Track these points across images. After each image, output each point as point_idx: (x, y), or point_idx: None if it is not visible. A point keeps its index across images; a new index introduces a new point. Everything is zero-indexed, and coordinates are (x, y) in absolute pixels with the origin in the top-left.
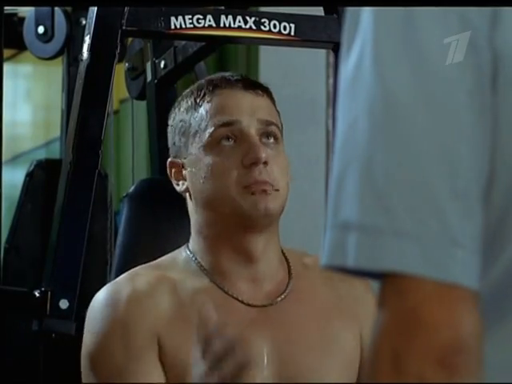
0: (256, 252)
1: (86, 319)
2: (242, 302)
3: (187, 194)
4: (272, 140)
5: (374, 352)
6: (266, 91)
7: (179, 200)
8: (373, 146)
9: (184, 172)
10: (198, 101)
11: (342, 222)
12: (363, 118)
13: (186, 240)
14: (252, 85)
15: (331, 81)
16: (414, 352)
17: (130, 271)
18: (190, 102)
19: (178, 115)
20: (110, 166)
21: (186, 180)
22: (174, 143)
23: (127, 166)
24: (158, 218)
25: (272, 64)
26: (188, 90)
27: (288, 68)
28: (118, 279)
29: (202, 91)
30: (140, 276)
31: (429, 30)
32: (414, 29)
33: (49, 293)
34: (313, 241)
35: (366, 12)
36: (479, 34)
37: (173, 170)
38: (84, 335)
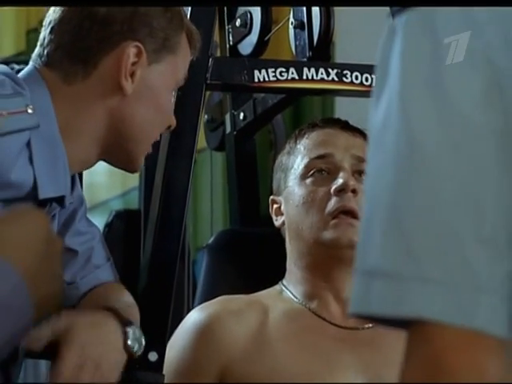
0: (345, 287)
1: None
2: (334, 324)
3: (283, 228)
4: (364, 177)
5: None
6: (363, 135)
7: (260, 251)
8: (398, 193)
9: (282, 208)
10: (297, 140)
11: (367, 269)
12: (389, 166)
13: None
14: (350, 126)
15: None
16: None
17: (223, 296)
18: (291, 143)
19: (280, 157)
20: (187, 216)
21: (283, 215)
22: (275, 180)
23: (203, 216)
24: (239, 269)
25: (347, 114)
26: (291, 136)
27: (363, 118)
28: (211, 302)
29: (303, 131)
30: (232, 300)
31: (455, 77)
32: (441, 77)
33: None
34: None
35: (394, 63)
36: (505, 75)
37: (274, 207)
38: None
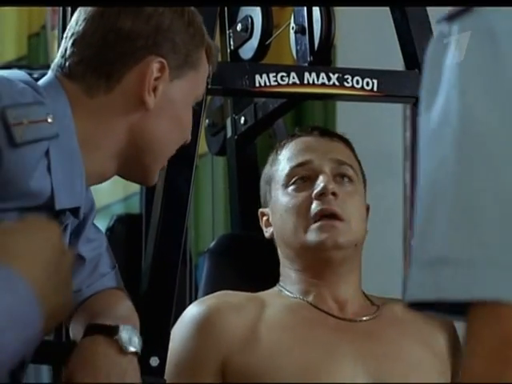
0: (339, 285)
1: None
2: (332, 315)
3: (274, 239)
4: (346, 180)
5: (469, 382)
6: (342, 139)
7: (261, 255)
8: (462, 184)
9: (270, 219)
10: (278, 151)
11: (433, 258)
12: (452, 157)
13: None
14: (328, 132)
15: (408, 134)
16: None
17: (222, 291)
18: (273, 155)
19: (265, 169)
20: (189, 221)
21: (272, 226)
22: (262, 193)
23: (204, 221)
24: (240, 273)
25: (349, 118)
26: (274, 148)
27: (365, 122)
28: (210, 295)
29: (283, 142)
30: (231, 294)
31: None
32: (502, 68)
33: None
34: (391, 291)
35: (450, 69)
36: None
37: (263, 219)
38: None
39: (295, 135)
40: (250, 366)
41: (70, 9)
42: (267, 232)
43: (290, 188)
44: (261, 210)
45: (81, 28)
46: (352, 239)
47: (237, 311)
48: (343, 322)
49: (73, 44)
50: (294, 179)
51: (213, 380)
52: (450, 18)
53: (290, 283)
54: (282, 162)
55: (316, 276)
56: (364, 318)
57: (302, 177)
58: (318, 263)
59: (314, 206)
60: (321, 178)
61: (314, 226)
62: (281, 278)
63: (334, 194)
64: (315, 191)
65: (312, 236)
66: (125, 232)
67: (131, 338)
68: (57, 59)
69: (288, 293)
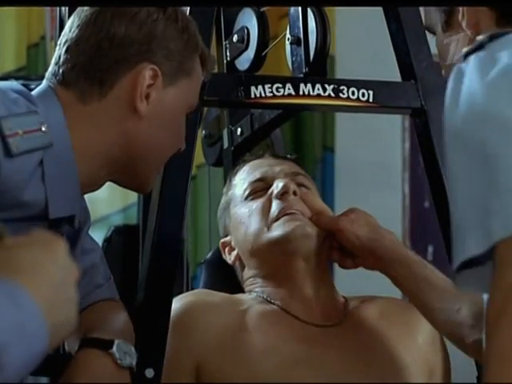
0: (307, 284)
1: None
2: (303, 321)
3: (237, 262)
4: (304, 188)
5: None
6: (293, 160)
7: None
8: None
9: (233, 243)
10: (231, 178)
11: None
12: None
13: None
14: (279, 155)
15: (407, 145)
16: None
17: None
18: (226, 185)
19: (222, 201)
20: (186, 231)
21: (235, 249)
22: (221, 224)
23: (202, 231)
24: (236, 283)
25: (348, 129)
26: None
27: (364, 133)
28: (189, 292)
29: (235, 170)
30: (206, 292)
31: None
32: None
33: None
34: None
35: (468, 84)
36: None
37: (226, 249)
38: None
39: (245, 161)
40: (223, 367)
41: (66, 18)
42: (231, 257)
43: (249, 198)
44: (222, 240)
45: (74, 34)
46: (320, 233)
47: (212, 311)
48: (312, 327)
49: (66, 51)
50: (252, 192)
51: (188, 379)
52: (466, 57)
53: (259, 288)
54: (239, 183)
55: (283, 277)
56: (332, 323)
57: (261, 190)
58: (286, 259)
59: (276, 206)
60: (279, 179)
61: (277, 222)
62: (248, 287)
63: (295, 193)
64: (276, 191)
65: (277, 230)
66: (122, 243)
67: (126, 353)
68: (51, 67)
69: (263, 299)
